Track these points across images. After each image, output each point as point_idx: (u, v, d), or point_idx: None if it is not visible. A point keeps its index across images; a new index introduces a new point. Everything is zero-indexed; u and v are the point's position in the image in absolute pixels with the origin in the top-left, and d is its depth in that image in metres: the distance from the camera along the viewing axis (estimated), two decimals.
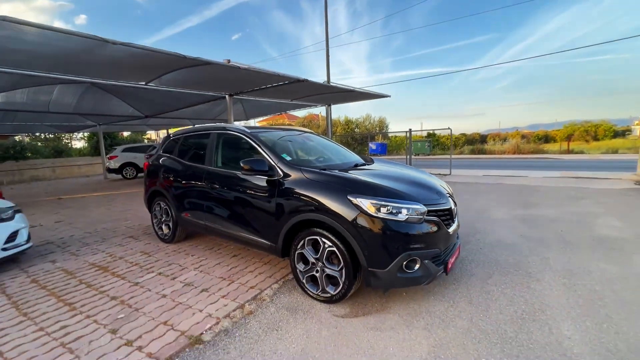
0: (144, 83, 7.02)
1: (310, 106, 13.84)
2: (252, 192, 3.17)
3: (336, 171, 2.97)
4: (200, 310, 2.62)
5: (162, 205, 4.39)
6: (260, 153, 3.24)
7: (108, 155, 14.44)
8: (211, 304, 2.73)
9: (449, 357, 2.01)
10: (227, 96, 8.94)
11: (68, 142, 25.07)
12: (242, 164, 3.04)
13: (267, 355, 2.10)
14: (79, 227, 5.63)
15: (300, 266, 2.87)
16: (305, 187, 2.79)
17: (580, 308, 2.49)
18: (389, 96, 11.64)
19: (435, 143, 28.75)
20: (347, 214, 2.50)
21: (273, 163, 3.07)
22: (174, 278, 3.27)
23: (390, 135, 30.36)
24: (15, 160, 17.13)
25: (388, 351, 2.09)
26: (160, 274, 3.40)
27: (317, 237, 2.70)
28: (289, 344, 2.21)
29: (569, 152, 20.46)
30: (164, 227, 4.43)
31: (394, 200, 2.50)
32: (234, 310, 2.62)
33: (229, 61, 7.12)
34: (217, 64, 5.54)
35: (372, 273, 2.46)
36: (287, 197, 2.88)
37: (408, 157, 12.51)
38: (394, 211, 2.44)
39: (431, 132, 26.61)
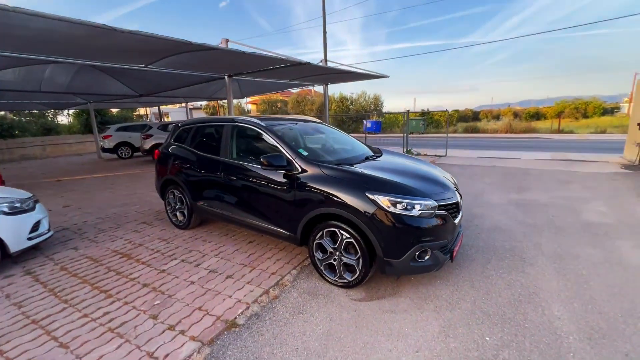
0: (143, 65, 6.89)
1: (307, 85, 13.73)
2: (271, 186, 3.34)
3: (351, 167, 3.16)
4: (230, 296, 2.87)
5: (176, 194, 4.54)
6: (277, 148, 3.38)
7: (102, 135, 14.21)
8: (238, 289, 2.98)
9: (457, 336, 2.32)
10: (226, 77, 8.83)
11: (53, 119, 24.28)
12: (261, 160, 3.19)
13: (297, 337, 2.38)
14: (89, 212, 5.76)
15: (319, 255, 3.12)
16: (323, 183, 2.97)
17: (569, 291, 2.83)
18: (388, 76, 11.60)
19: (429, 121, 28.87)
20: (365, 209, 2.71)
21: (291, 158, 3.22)
22: (197, 265, 3.50)
23: (384, 113, 30.28)
24: (4, 139, 16.69)
25: (404, 331, 2.39)
26: (183, 260, 3.62)
27: (335, 229, 2.93)
28: (315, 326, 2.49)
29: (559, 131, 20.92)
30: (178, 214, 4.60)
31: (408, 196, 2.72)
32: (260, 296, 2.88)
33: (227, 41, 7.04)
34: (222, 49, 5.49)
35: (387, 262, 2.72)
36: (305, 192, 3.06)
37: (405, 136, 12.69)
38: (408, 207, 2.67)
39: (425, 110, 26.66)
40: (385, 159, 3.75)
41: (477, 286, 2.96)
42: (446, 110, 12.44)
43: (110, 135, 13.94)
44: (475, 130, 24.75)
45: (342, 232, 2.89)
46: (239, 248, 3.91)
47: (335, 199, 2.86)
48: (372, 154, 3.95)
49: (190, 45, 4.96)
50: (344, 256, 2.93)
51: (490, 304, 2.69)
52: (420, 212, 2.68)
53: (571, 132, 20.85)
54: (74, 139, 19.55)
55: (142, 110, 36.80)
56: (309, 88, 16.13)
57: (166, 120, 34.77)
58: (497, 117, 33.54)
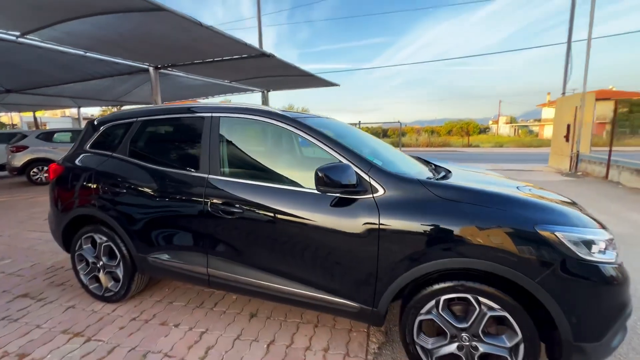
0: (17, 35, 4.41)
1: (244, 91, 12.05)
2: (324, 223, 1.85)
3: (464, 182, 1.93)
4: None
5: (100, 240, 2.53)
6: (329, 154, 1.94)
7: None
8: None
9: None
10: (151, 69, 6.66)
11: None
12: (319, 173, 1.71)
13: None
14: None
15: (426, 341, 1.75)
16: (437, 212, 1.66)
17: None
18: (339, 85, 10.88)
19: None
20: (539, 257, 1.51)
21: (362, 172, 1.83)
22: None
23: None
24: None
25: None
26: None
27: (468, 296, 1.64)
28: None
29: (469, 145, 23.81)
30: (103, 277, 2.58)
31: (595, 230, 1.63)
32: None
33: None
34: (169, 13, 3.66)
35: (578, 349, 1.54)
36: (399, 230, 1.70)
37: None
38: (605, 250, 1.57)
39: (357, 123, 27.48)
40: (460, 171, 2.62)
41: None
42: (398, 122, 12.44)
43: None
44: (403, 145, 26.49)
45: (483, 300, 1.61)
46: (241, 334, 2.21)
47: (471, 241, 1.58)
48: (428, 165, 2.80)
49: None
50: (485, 342, 1.65)
51: None
52: (615, 254, 1.61)
53: (477, 146, 23.92)
54: None
55: (5, 119, 28.85)
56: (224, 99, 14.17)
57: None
58: (403, 134, 38.48)
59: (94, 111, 34.44)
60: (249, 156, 2.24)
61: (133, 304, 2.59)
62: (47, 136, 9.15)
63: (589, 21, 8.58)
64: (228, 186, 2.09)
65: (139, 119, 2.53)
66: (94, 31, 4.40)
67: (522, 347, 1.59)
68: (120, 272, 2.50)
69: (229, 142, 2.24)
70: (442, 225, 1.64)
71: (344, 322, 2.32)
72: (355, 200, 1.80)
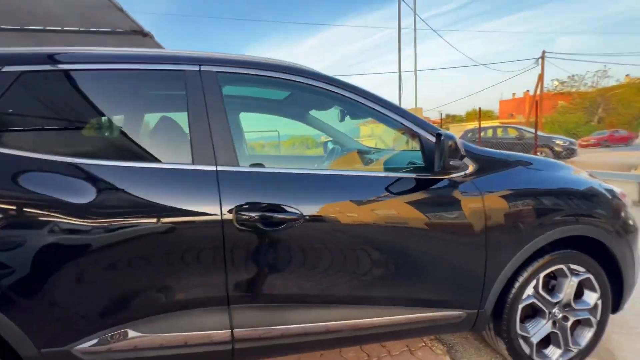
0: None
1: None
2: (415, 215, 1.40)
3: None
4: None
5: None
6: (401, 126, 1.52)
7: None
8: None
9: None
10: None
11: None
12: (448, 141, 1.29)
13: None
14: None
15: (525, 330, 1.59)
16: (536, 183, 1.60)
17: None
18: None
19: None
20: (613, 215, 1.65)
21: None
22: None
23: None
24: None
25: None
26: None
27: (562, 266, 1.59)
28: None
29: None
30: None
31: None
32: None
33: None
34: None
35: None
36: (505, 211, 1.49)
37: None
38: None
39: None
40: None
41: None
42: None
43: None
44: None
45: (573, 267, 1.62)
46: None
47: (571, 205, 1.58)
48: None
49: None
50: (575, 309, 1.65)
51: None
52: None
53: None
54: None
55: None
56: None
57: None
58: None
59: None
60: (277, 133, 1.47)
61: None
62: None
63: (414, 57, 11.53)
64: (263, 180, 1.28)
65: (22, 68, 1.20)
66: None
67: (599, 303, 1.67)
68: None
69: (243, 113, 1.40)
70: (547, 194, 1.56)
71: (397, 344, 1.86)
72: (438, 180, 1.46)
